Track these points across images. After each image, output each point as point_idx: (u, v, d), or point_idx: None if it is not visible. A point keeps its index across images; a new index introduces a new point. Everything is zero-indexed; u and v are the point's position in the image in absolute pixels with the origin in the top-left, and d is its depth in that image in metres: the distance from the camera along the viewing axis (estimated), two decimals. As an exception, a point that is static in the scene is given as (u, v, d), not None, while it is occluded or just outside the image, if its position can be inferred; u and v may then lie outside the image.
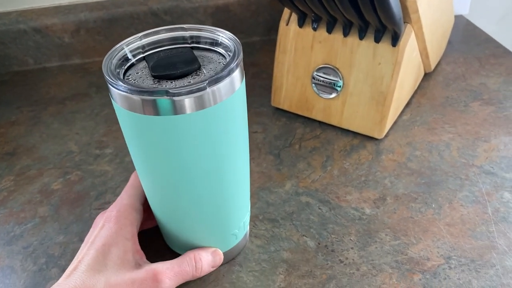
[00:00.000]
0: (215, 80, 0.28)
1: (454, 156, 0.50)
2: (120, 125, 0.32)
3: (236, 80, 0.30)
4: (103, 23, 0.71)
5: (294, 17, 0.52)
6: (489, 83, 0.61)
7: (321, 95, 0.53)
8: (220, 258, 0.37)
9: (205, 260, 0.36)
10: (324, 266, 0.39)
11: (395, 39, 0.47)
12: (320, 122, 0.56)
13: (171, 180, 0.32)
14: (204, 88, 0.27)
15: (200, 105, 0.28)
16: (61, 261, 0.41)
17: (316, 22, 0.51)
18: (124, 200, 0.37)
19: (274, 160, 0.51)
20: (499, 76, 0.62)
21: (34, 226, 0.45)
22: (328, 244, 0.41)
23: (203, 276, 0.38)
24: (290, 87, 0.55)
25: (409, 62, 0.50)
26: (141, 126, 0.29)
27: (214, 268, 0.37)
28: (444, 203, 0.44)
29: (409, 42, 0.48)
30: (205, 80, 0.27)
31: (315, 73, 0.53)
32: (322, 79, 0.53)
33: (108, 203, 0.46)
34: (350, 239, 0.41)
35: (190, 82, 0.29)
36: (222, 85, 0.28)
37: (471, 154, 0.50)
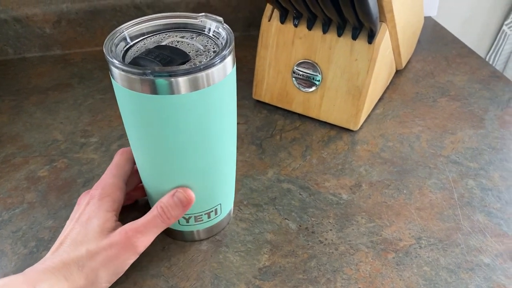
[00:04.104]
0: (210, 65, 0.30)
1: (424, 147, 0.53)
2: (119, 103, 0.34)
3: (228, 66, 0.32)
4: (85, 14, 0.71)
5: (276, 13, 0.55)
6: (455, 81, 0.65)
7: (300, 88, 0.56)
8: (184, 196, 0.36)
9: (168, 203, 0.36)
10: (305, 246, 0.42)
11: (371, 37, 0.50)
12: (299, 115, 0.59)
13: (164, 154, 0.35)
14: (199, 71, 0.30)
15: (195, 86, 0.30)
16: (51, 244, 0.42)
17: (297, 18, 0.53)
18: (109, 179, 0.39)
19: (257, 149, 0.53)
20: (464, 74, 0.67)
21: (23, 212, 0.45)
22: (309, 226, 0.44)
23: (191, 256, 0.40)
24: (271, 80, 0.58)
25: (383, 59, 0.54)
26: (139, 104, 0.31)
27: (185, 209, 0.37)
28: (414, 189, 0.48)
29: (384, 40, 0.51)
30: (200, 65, 0.30)
31: (296, 67, 0.55)
32: (302, 73, 0.55)
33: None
34: (329, 222, 0.44)
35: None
36: (215, 69, 0.31)
37: (439, 146, 0.53)
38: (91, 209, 0.37)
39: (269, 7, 0.56)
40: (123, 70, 0.30)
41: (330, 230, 0.43)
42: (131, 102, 0.32)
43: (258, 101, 0.61)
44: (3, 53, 0.72)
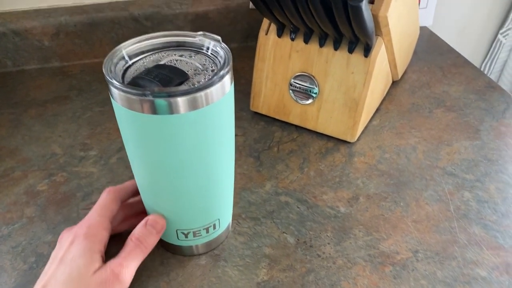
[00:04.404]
0: (208, 85, 0.31)
1: (420, 158, 0.54)
2: (118, 122, 0.34)
3: (226, 84, 0.33)
4: (83, 27, 0.72)
5: (273, 27, 0.56)
6: (451, 91, 0.66)
7: (298, 101, 0.57)
8: (156, 223, 0.38)
9: (142, 233, 0.37)
10: (304, 260, 0.42)
11: (367, 51, 0.51)
12: (296, 126, 0.59)
13: (163, 171, 0.35)
14: (197, 91, 0.30)
15: (194, 106, 0.31)
16: (50, 259, 0.42)
17: (294, 32, 0.54)
18: (95, 218, 0.38)
19: (254, 162, 0.54)
20: (460, 84, 0.67)
21: (22, 226, 0.46)
22: (307, 240, 0.44)
23: (190, 270, 0.41)
24: (269, 92, 0.58)
25: (379, 71, 0.54)
26: (139, 123, 0.32)
27: (159, 234, 0.38)
28: (411, 201, 0.48)
29: (380, 53, 0.52)
30: (199, 86, 0.30)
31: (293, 80, 0.56)
32: (299, 86, 0.56)
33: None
34: (327, 235, 0.44)
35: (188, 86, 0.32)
36: (214, 88, 0.31)
37: (435, 157, 0.54)
38: (77, 249, 0.36)
39: (266, 21, 0.56)
40: (122, 91, 0.31)
41: (328, 243, 0.43)
42: (130, 121, 0.32)
43: (255, 112, 0.62)
44: (1, 65, 0.72)
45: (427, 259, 0.42)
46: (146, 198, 0.40)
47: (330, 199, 0.48)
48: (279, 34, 0.55)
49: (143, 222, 0.38)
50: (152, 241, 0.38)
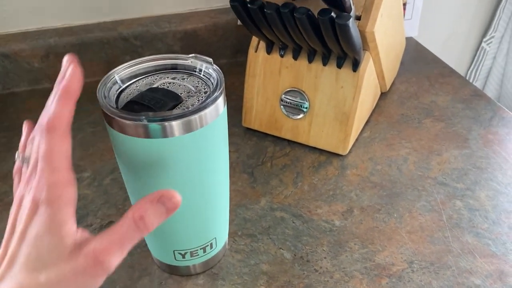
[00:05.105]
0: (202, 107, 0.31)
1: (411, 169, 0.55)
2: (113, 146, 0.35)
3: (220, 106, 0.33)
4: (73, 48, 0.72)
5: (262, 44, 0.56)
6: (439, 101, 0.67)
7: (289, 115, 0.57)
8: (173, 203, 0.30)
9: (147, 211, 0.29)
10: (301, 275, 0.42)
11: (355, 65, 0.52)
12: (288, 141, 0.60)
13: None
14: (192, 114, 0.31)
15: (188, 128, 0.31)
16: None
17: (283, 49, 0.55)
18: (52, 174, 0.28)
19: (248, 178, 0.54)
20: (447, 94, 0.69)
21: (17, 252, 0.45)
22: (303, 255, 0.44)
23: (189, 291, 0.41)
24: (260, 108, 0.59)
25: (368, 84, 0.55)
26: (134, 147, 0.32)
27: (168, 215, 0.30)
28: (404, 212, 0.49)
29: (368, 67, 0.53)
30: (194, 109, 0.31)
31: (283, 95, 0.57)
32: (289, 101, 0.56)
33: (90, 226, 0.48)
34: (323, 250, 0.45)
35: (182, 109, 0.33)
36: (208, 110, 0.32)
37: (426, 167, 0.55)
38: (40, 222, 0.28)
39: (255, 38, 0.57)
40: (118, 116, 0.31)
41: (325, 258, 0.44)
42: (125, 145, 0.33)
43: (247, 128, 0.62)
44: (-9, 88, 0.72)
45: (422, 270, 0.42)
46: None
47: (325, 213, 0.49)
48: (268, 51, 0.56)
49: (152, 196, 0.29)
50: (159, 222, 0.30)
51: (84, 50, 0.72)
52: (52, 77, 0.73)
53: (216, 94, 0.32)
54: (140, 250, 0.45)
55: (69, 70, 0.30)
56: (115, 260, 0.28)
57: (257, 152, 0.58)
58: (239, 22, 0.76)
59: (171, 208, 0.29)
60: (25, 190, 0.30)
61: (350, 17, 0.41)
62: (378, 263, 0.43)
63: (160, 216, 0.29)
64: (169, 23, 0.75)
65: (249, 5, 0.45)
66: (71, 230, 0.28)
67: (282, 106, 0.57)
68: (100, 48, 0.73)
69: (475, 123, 0.62)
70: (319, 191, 0.52)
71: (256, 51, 0.57)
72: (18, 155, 0.33)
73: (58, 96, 0.30)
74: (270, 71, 0.57)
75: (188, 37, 0.76)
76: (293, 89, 0.56)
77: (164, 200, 0.29)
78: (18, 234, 0.28)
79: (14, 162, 0.32)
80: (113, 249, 0.28)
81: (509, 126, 0.62)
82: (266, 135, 0.61)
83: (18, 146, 0.60)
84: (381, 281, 0.41)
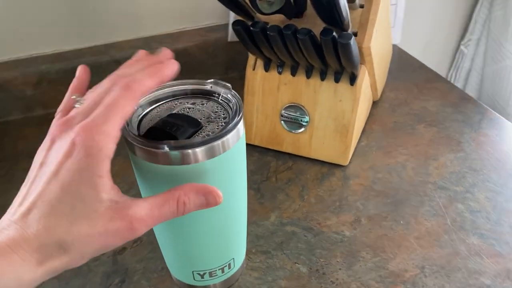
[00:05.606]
0: (225, 133, 0.32)
1: (411, 175, 0.57)
2: (135, 172, 0.35)
3: (240, 130, 0.34)
4: (65, 73, 0.72)
5: (260, 62, 0.58)
6: (429, 106, 0.70)
7: (289, 130, 0.59)
8: (215, 202, 0.31)
9: (193, 202, 0.30)
10: (319, 288, 0.43)
11: (352, 79, 0.53)
12: (289, 154, 0.61)
13: (180, 219, 0.35)
14: (215, 140, 0.32)
15: (211, 154, 0.32)
16: (68, 317, 0.42)
17: (281, 66, 0.56)
18: (105, 125, 0.27)
19: (255, 194, 0.55)
20: (436, 99, 0.71)
21: (33, 286, 0.45)
22: (319, 268, 0.45)
23: (213, 313, 0.41)
24: (260, 124, 0.60)
25: (364, 96, 0.57)
26: (156, 174, 0.33)
27: (202, 209, 0.31)
28: (410, 219, 0.50)
29: (364, 80, 0.54)
30: (217, 135, 0.32)
31: (283, 111, 0.58)
32: (289, 116, 0.58)
33: (103, 254, 0.48)
34: (337, 261, 0.46)
35: (205, 135, 0.33)
36: (230, 136, 0.33)
37: (425, 173, 0.57)
38: (76, 167, 0.26)
39: (251, 57, 0.58)
40: (140, 144, 0.32)
41: (340, 269, 0.45)
42: (148, 172, 0.33)
43: (248, 144, 0.63)
44: (-17, 118, 0.71)
45: (434, 274, 0.44)
46: (163, 240, 0.40)
47: (334, 224, 0.50)
48: (266, 68, 0.57)
49: (199, 187, 0.31)
50: (195, 210, 0.31)
51: (77, 75, 0.72)
52: (45, 103, 0.73)
53: (236, 119, 0.33)
54: (157, 275, 0.46)
55: (172, 62, 0.32)
56: (145, 230, 0.28)
57: (261, 168, 0.59)
58: (229, 38, 0.77)
59: (212, 205, 0.31)
60: (60, 131, 0.28)
61: (351, 36, 0.42)
62: (391, 270, 0.45)
63: (198, 207, 0.30)
64: (160, 43, 0.75)
65: (251, 28, 0.46)
66: (108, 186, 0.27)
67: (282, 121, 0.59)
68: (94, 72, 0.72)
69: (465, 126, 0.65)
70: (325, 203, 0.53)
71: (254, 69, 0.58)
72: (73, 95, 0.33)
73: (150, 69, 0.30)
74: (268, 88, 0.58)
75: (180, 56, 0.75)
76: (293, 104, 0.57)
77: (210, 197, 0.30)
78: (50, 174, 0.26)
79: (16, 193, 0.29)
80: (150, 221, 0.28)
81: (497, 128, 0.64)
82: (268, 150, 0.62)
83: (18, 176, 0.60)
84: (396, 288, 0.43)
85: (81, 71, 0.36)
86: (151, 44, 0.75)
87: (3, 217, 0.27)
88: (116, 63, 0.75)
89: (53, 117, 0.32)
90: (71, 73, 0.73)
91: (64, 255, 0.26)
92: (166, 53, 0.34)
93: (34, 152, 0.29)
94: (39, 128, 0.75)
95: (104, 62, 0.73)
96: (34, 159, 0.29)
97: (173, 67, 0.32)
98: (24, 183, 0.28)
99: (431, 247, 0.47)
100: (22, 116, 0.73)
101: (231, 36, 0.76)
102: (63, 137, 0.28)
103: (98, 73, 0.75)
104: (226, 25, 0.77)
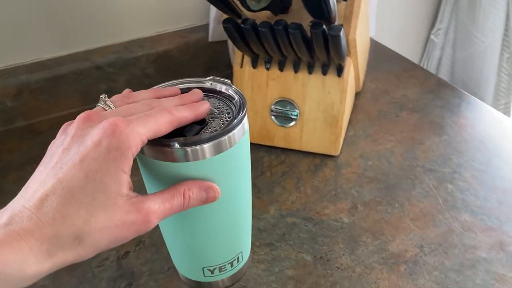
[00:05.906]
0: (231, 128, 0.33)
1: (400, 160, 0.59)
2: (142, 171, 0.35)
3: (245, 124, 0.35)
4: (46, 82, 0.70)
5: (247, 59, 0.58)
6: (409, 94, 0.72)
7: (280, 125, 0.60)
8: (214, 196, 0.33)
9: (196, 197, 0.32)
10: (326, 275, 0.44)
11: (339, 71, 0.55)
12: (281, 148, 0.62)
13: (189, 216, 0.36)
14: (222, 135, 0.32)
15: (219, 150, 0.33)
16: (78, 324, 0.42)
17: (269, 62, 0.57)
18: (138, 127, 0.28)
19: (252, 189, 0.55)
20: (415, 87, 0.74)
21: (37, 297, 0.44)
22: (323, 255, 0.47)
23: (225, 307, 0.42)
24: (251, 121, 0.61)
25: (351, 87, 0.59)
26: (165, 171, 0.33)
27: (206, 204, 0.33)
28: (404, 201, 0.52)
29: (350, 71, 0.56)
30: (224, 131, 0.32)
31: (273, 106, 0.59)
32: (279, 111, 0.59)
33: (107, 260, 0.48)
34: (340, 247, 0.47)
35: (212, 131, 0.34)
36: (236, 130, 0.33)
37: (412, 157, 0.59)
38: (101, 160, 0.26)
39: (239, 54, 0.59)
40: (150, 143, 0.32)
41: (343, 254, 0.46)
42: (156, 170, 0.33)
43: (238, 142, 0.64)
44: (-37, 133, 0.69)
45: (433, 252, 0.46)
46: (172, 238, 0.40)
47: (332, 212, 0.52)
48: (254, 65, 0.58)
49: (200, 184, 0.32)
50: (194, 205, 0.32)
51: (58, 83, 0.71)
52: (26, 114, 0.72)
53: (241, 114, 0.34)
54: (164, 275, 0.46)
55: (206, 102, 0.35)
56: (157, 223, 0.30)
57: (254, 163, 0.60)
58: (210, 39, 0.78)
59: (211, 199, 0.33)
60: (88, 120, 0.29)
61: (341, 28, 0.44)
62: (392, 252, 0.46)
63: (199, 203, 0.32)
64: (141, 47, 0.75)
65: (242, 25, 0.47)
66: (128, 183, 0.28)
67: (272, 117, 0.59)
68: (75, 79, 0.72)
69: (446, 111, 0.67)
70: (322, 193, 0.54)
71: (241, 67, 0.59)
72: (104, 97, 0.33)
73: (189, 105, 0.33)
74: (257, 85, 0.59)
75: (161, 59, 0.76)
76: (282, 99, 0.58)
77: (210, 191, 0.33)
78: (76, 160, 0.26)
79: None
80: (162, 214, 0.30)
81: (476, 110, 0.67)
82: (259, 145, 0.63)
83: (6, 189, 0.59)
84: (399, 268, 0.44)
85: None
86: (131, 48, 0.74)
87: (16, 202, 0.26)
88: (98, 69, 0.75)
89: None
90: (52, 82, 0.72)
91: (78, 246, 0.26)
92: (196, 91, 0.36)
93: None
94: (21, 139, 0.73)
95: (85, 68, 0.72)
96: (51, 145, 0.29)
97: (207, 106, 0.34)
98: (40, 169, 0.28)
99: (427, 226, 0.49)
100: (4, 128, 0.71)
101: (212, 36, 0.77)
102: (93, 126, 0.28)
103: (79, 80, 0.74)
104: (207, 25, 0.77)
